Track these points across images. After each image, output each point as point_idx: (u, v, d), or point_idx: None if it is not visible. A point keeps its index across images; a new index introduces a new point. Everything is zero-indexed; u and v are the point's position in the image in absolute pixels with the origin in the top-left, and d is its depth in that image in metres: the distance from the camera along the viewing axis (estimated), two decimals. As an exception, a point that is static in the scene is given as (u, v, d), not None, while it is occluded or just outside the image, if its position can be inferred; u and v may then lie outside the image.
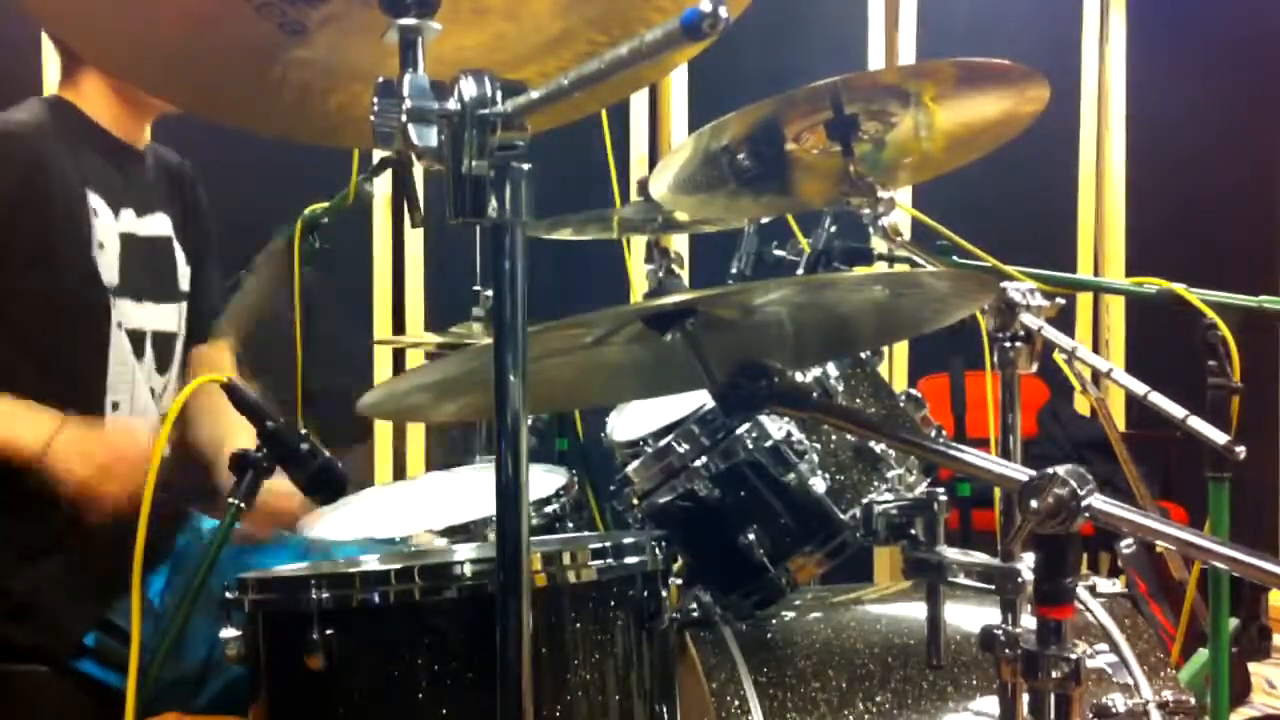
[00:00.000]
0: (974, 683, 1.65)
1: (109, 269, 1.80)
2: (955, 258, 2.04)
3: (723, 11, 0.78)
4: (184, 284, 1.98)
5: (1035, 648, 1.10)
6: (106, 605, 1.72)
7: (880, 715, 1.61)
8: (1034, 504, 1.03)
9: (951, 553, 1.41)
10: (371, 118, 0.98)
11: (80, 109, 1.85)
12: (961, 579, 1.37)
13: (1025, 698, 1.16)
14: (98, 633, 1.73)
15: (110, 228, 1.82)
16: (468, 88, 0.97)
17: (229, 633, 1.40)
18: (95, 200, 1.79)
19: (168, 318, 1.92)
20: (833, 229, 2.13)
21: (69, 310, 1.78)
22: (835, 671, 1.65)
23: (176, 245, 1.95)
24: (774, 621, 1.73)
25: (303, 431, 1.54)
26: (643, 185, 2.70)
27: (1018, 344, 1.52)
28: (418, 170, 1.08)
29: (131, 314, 1.84)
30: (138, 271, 1.85)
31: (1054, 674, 1.09)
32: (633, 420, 1.96)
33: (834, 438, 1.68)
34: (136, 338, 1.85)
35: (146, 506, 1.48)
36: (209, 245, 2.08)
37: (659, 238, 2.79)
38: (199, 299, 2.03)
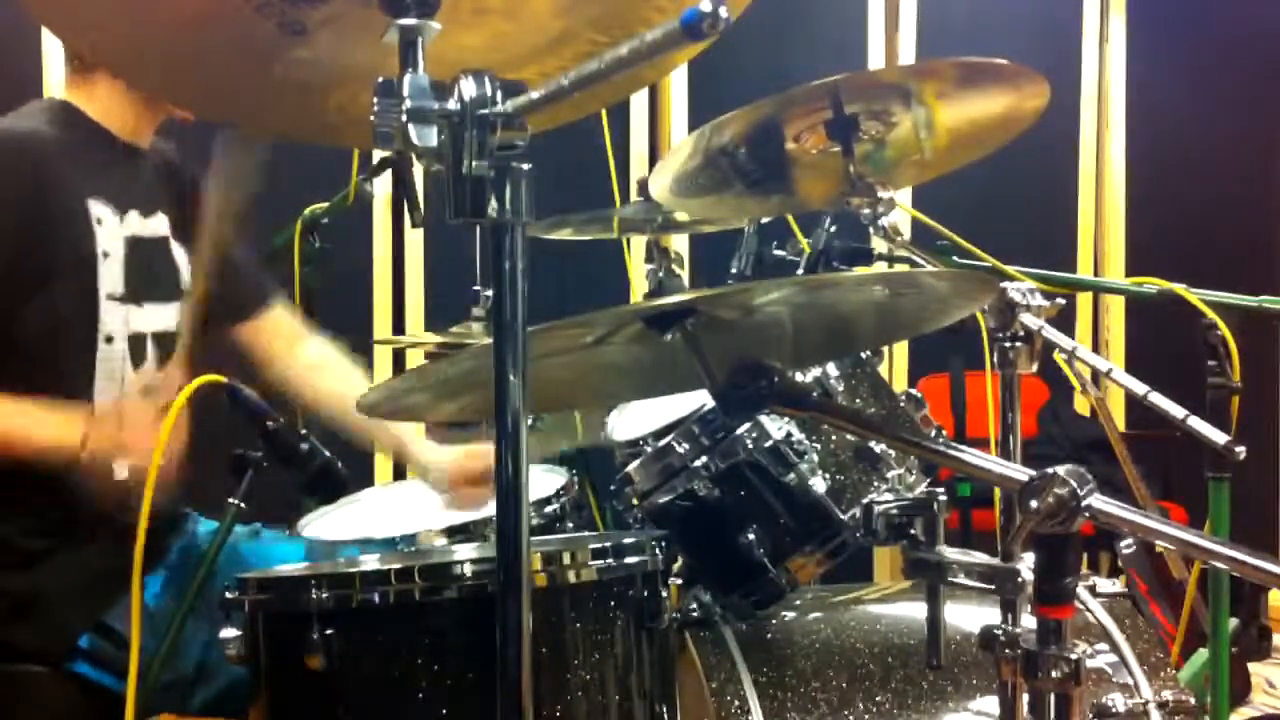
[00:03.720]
0: (974, 683, 1.65)
1: (112, 278, 1.79)
2: (955, 258, 2.03)
3: (723, 11, 0.78)
4: (184, 282, 1.97)
5: (1035, 648, 1.10)
6: (106, 606, 1.72)
7: (880, 715, 1.61)
8: (1034, 504, 1.03)
9: (951, 553, 1.41)
10: (371, 118, 0.98)
11: (85, 113, 1.84)
12: (961, 579, 1.37)
13: (1025, 698, 1.16)
14: (92, 635, 1.73)
15: (115, 233, 1.81)
16: (468, 88, 0.97)
17: (229, 633, 1.40)
18: (98, 208, 1.78)
19: (168, 317, 1.91)
20: (833, 229, 2.13)
21: (61, 331, 1.76)
22: (835, 671, 1.65)
23: (174, 244, 1.95)
24: (774, 621, 1.73)
25: (302, 431, 1.54)
26: (643, 185, 2.71)
27: (1018, 344, 1.52)
28: (418, 170, 1.08)
29: (134, 318, 1.83)
30: (143, 274, 1.84)
31: (1054, 674, 1.09)
32: (633, 420, 1.96)
33: (834, 438, 1.68)
34: (137, 341, 1.84)
35: (146, 507, 1.48)
36: (228, 230, 2.03)
37: (659, 238, 2.79)
38: (235, 282, 2.00)
